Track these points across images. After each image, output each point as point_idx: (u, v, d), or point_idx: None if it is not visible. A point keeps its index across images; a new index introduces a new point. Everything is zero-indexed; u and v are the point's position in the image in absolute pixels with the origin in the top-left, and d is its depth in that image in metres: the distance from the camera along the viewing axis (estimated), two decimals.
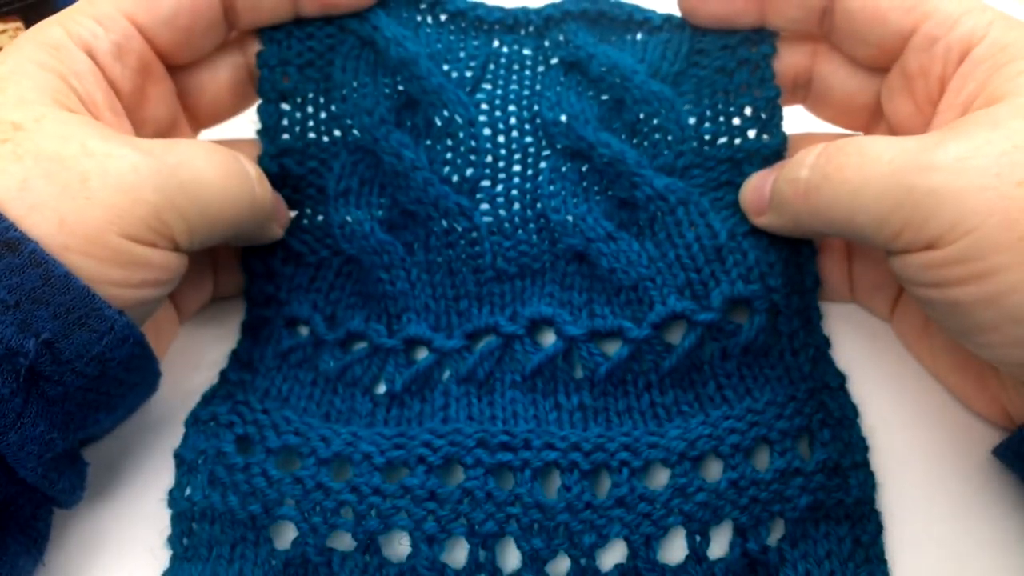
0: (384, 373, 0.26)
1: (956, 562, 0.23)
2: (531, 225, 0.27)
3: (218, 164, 0.23)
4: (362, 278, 0.28)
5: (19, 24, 0.33)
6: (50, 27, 0.23)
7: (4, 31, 0.33)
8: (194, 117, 0.28)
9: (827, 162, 0.23)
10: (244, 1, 0.26)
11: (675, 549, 0.23)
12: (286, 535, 0.23)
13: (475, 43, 0.29)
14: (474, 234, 0.27)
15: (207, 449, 0.24)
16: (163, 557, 0.23)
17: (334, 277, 0.28)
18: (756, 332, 0.25)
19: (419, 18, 0.29)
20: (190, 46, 0.26)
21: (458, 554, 0.23)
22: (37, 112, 0.20)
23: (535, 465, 0.23)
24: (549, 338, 0.26)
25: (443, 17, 0.29)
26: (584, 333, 0.26)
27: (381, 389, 0.26)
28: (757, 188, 0.26)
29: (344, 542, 0.23)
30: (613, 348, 0.26)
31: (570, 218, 0.27)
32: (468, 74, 0.29)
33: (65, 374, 0.19)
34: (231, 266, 0.28)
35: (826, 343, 0.26)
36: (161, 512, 0.23)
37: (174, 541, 0.23)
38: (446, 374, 0.26)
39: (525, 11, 0.29)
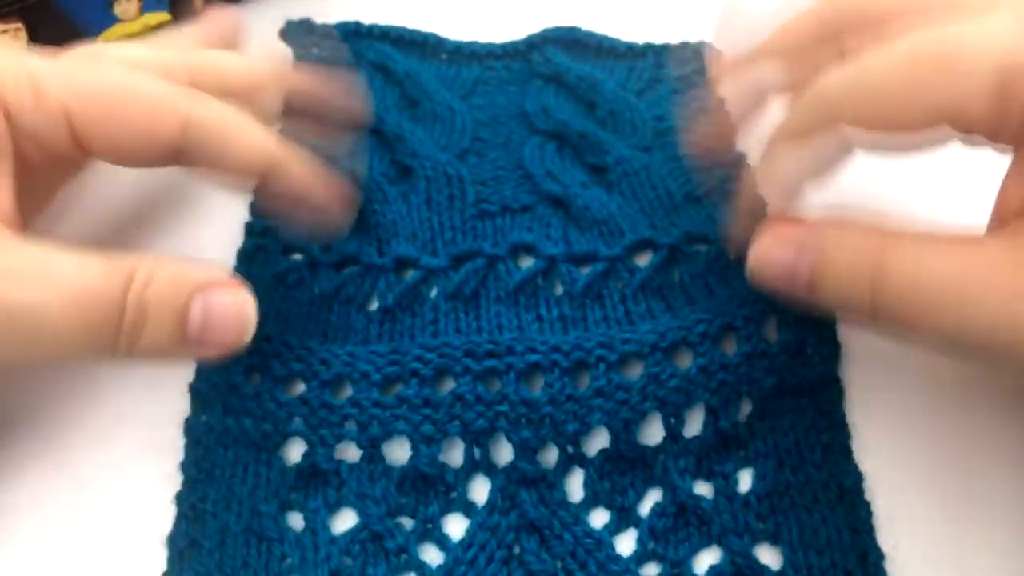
0: (376, 290, 0.28)
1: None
2: (513, 177, 0.32)
3: None
4: (355, 218, 0.30)
5: (19, 25, 0.33)
6: None
7: (4, 31, 0.33)
8: None
9: None
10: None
11: (653, 432, 0.25)
12: (296, 451, 0.25)
13: (470, 70, 0.35)
14: (460, 182, 0.31)
15: (219, 382, 0.26)
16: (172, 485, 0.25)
17: None
18: (717, 255, 0.28)
19: (423, 55, 0.36)
20: None
21: (455, 454, 0.25)
22: None
23: (519, 367, 0.25)
24: (530, 261, 0.29)
25: (444, 56, 0.36)
26: (562, 253, 0.29)
27: (374, 305, 0.28)
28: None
29: (350, 452, 0.25)
30: (589, 269, 0.29)
31: (549, 170, 0.31)
32: (463, 89, 0.35)
33: None
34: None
35: None
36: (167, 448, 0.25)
37: (188, 465, 0.25)
38: (434, 291, 0.28)
39: (513, 43, 0.36)
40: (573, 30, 0.36)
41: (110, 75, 0.24)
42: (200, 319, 0.22)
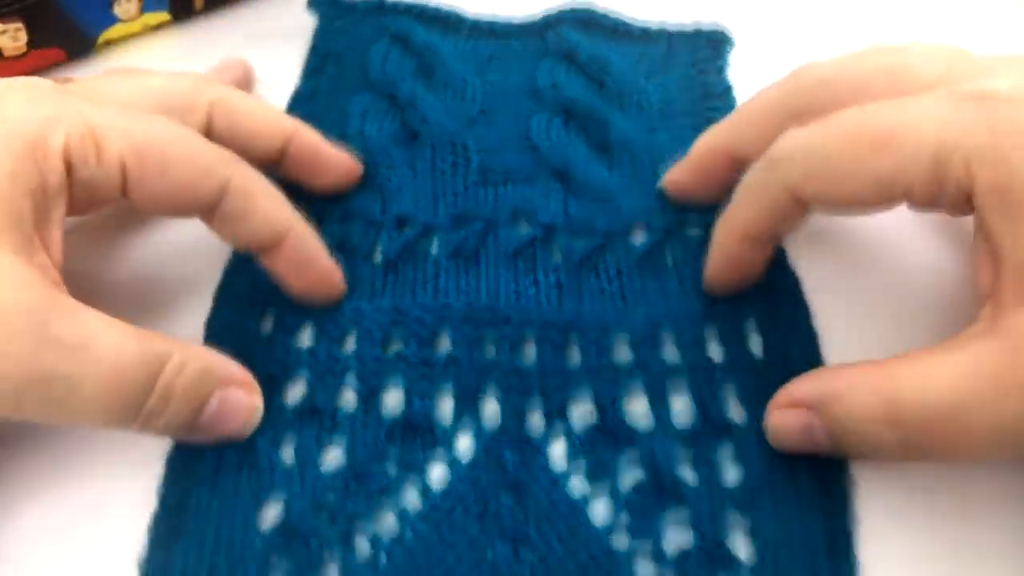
0: (380, 242, 0.30)
1: None
2: (518, 147, 0.33)
3: None
4: (363, 184, 0.32)
5: (19, 24, 0.33)
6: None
7: (4, 31, 0.33)
8: None
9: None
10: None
11: (640, 413, 0.26)
12: (296, 393, 0.26)
13: (487, 45, 0.38)
14: (464, 149, 0.33)
15: (234, 324, 0.27)
16: None
17: None
18: (709, 239, 0.29)
19: (444, 30, 0.38)
20: None
21: (445, 411, 0.26)
22: None
23: (513, 337, 0.27)
24: (529, 227, 0.31)
25: (463, 32, 0.38)
26: (561, 223, 0.30)
27: (378, 258, 0.30)
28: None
29: (346, 399, 0.26)
30: (587, 241, 0.30)
31: (553, 143, 0.33)
32: (478, 63, 0.37)
33: None
34: None
35: (782, 252, 0.29)
36: None
37: None
38: (435, 248, 0.30)
39: (531, 20, 0.38)
40: (589, 11, 0.38)
41: (164, 132, 0.25)
42: (213, 413, 0.24)
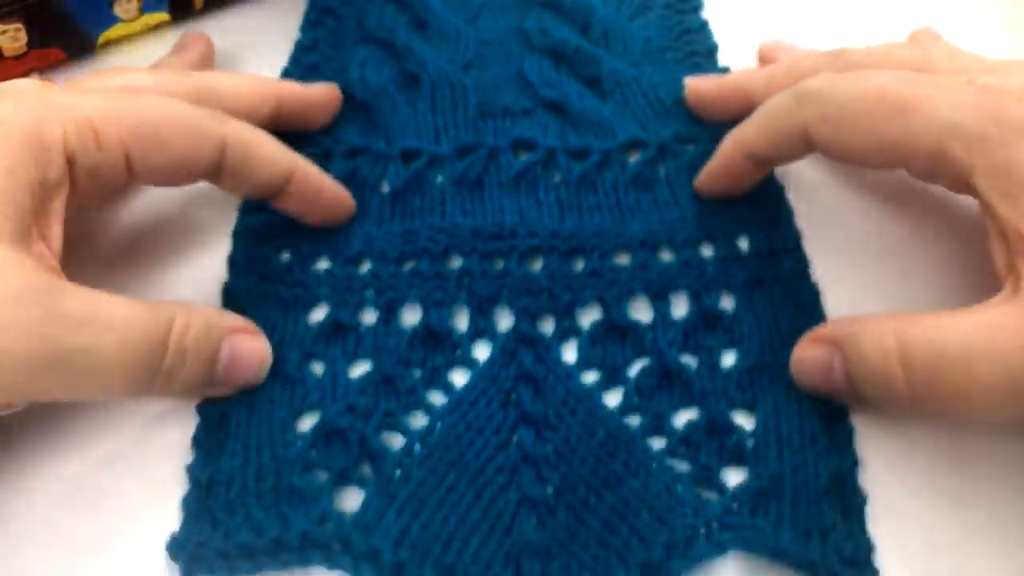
0: (387, 175, 0.32)
1: None
2: (513, 86, 0.35)
3: None
4: (365, 120, 0.34)
5: (19, 25, 0.33)
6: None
7: (4, 31, 0.33)
8: None
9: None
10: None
11: (642, 311, 0.28)
12: (321, 313, 0.28)
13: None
14: (463, 88, 0.34)
15: (254, 256, 0.29)
16: None
17: (341, 119, 0.34)
18: (701, 155, 0.31)
19: None
20: None
21: (461, 320, 0.28)
22: None
23: (521, 249, 0.29)
24: (529, 154, 0.32)
25: None
26: (560, 147, 0.32)
27: (385, 189, 0.31)
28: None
29: (368, 315, 0.28)
30: (585, 161, 0.32)
31: (547, 79, 0.35)
32: (468, 14, 0.39)
33: None
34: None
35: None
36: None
37: None
38: (440, 178, 0.32)
39: None
40: None
41: (155, 106, 0.25)
42: (226, 361, 0.25)
